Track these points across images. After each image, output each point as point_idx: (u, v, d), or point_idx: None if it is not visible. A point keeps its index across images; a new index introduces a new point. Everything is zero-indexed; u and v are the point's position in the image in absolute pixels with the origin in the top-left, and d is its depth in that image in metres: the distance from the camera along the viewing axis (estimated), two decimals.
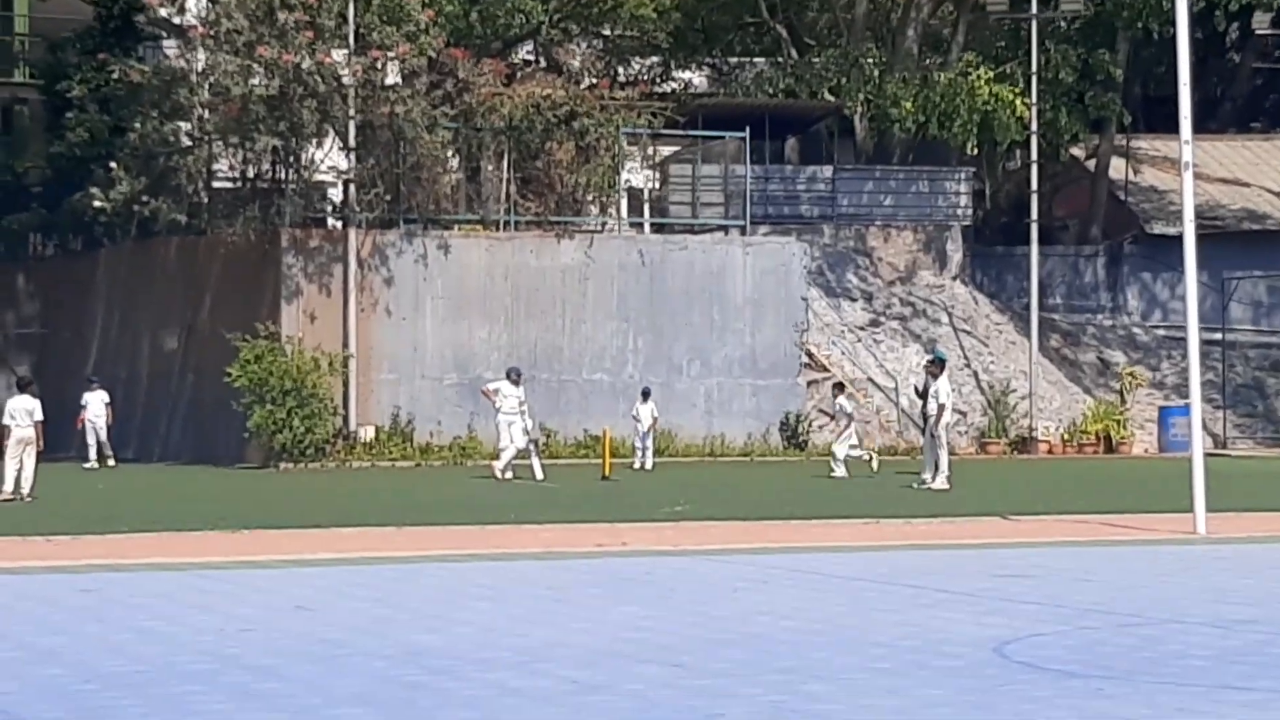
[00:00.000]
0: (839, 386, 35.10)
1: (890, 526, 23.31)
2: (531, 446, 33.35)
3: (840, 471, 33.46)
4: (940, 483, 30.00)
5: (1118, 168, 53.00)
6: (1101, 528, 22.95)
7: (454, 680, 11.42)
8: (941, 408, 30.62)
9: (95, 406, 39.69)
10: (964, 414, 45.10)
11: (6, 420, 27.97)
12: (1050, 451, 44.68)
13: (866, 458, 34.69)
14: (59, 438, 45.04)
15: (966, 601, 15.46)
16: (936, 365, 31.77)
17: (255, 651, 12.63)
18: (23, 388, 29.06)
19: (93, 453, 39.42)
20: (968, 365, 46.27)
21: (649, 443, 36.93)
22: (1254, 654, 12.46)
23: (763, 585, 16.84)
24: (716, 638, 13.26)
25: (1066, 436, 45.29)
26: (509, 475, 32.58)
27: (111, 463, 39.22)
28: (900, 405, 44.28)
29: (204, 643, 13.08)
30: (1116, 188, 52.88)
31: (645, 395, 37.27)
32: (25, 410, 27.94)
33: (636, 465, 36.28)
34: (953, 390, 42.36)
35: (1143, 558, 19.74)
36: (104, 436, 39.54)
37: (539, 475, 32.56)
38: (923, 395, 31.88)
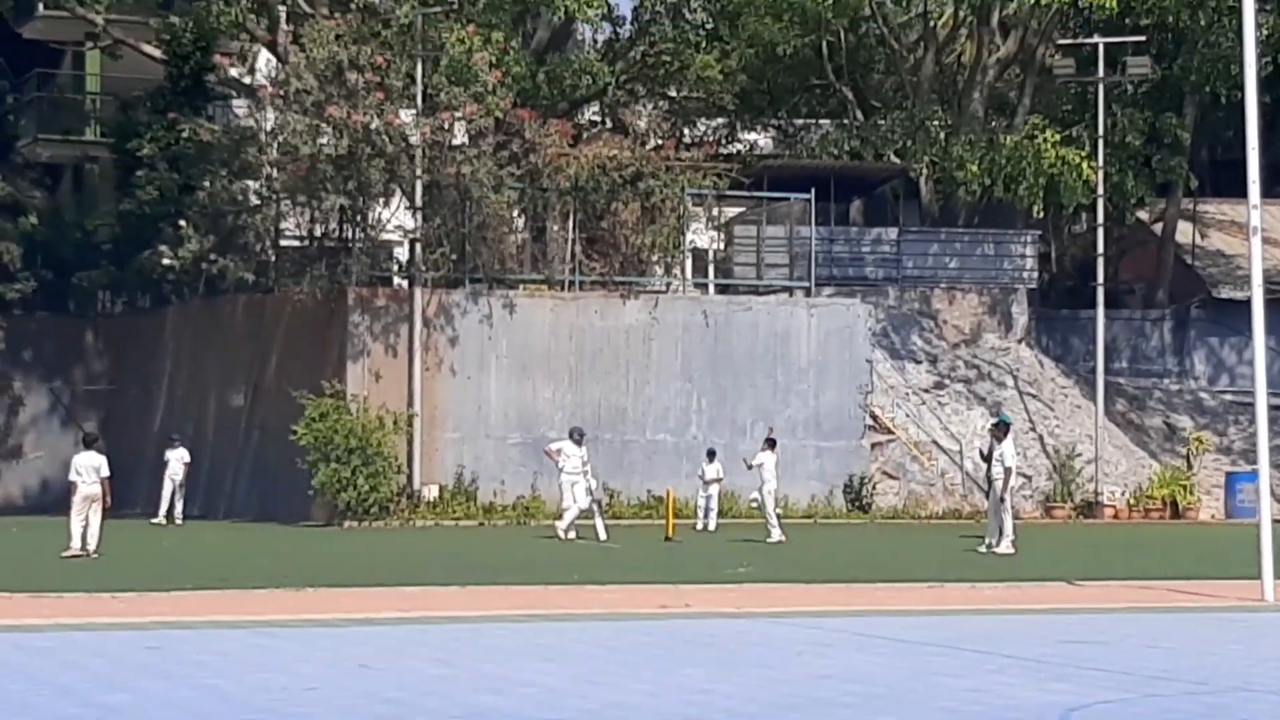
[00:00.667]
0: (770, 442, 34.33)
1: (955, 591, 23.17)
2: (595, 506, 33.34)
3: (776, 535, 32.67)
4: (1005, 547, 29.83)
5: (1184, 231, 52.79)
6: (1168, 594, 22.77)
7: None
8: (1007, 471, 30.48)
9: (175, 464, 39.99)
10: (1029, 478, 44.87)
11: (73, 477, 28.12)
12: (1116, 516, 44.39)
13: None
14: (126, 494, 45.34)
15: (1032, 667, 15.35)
16: (1001, 429, 31.63)
17: (319, 711, 12.64)
18: (89, 444, 29.20)
19: (163, 509, 39.65)
20: (1033, 429, 46.05)
21: (713, 504, 36.85)
22: None
23: (827, 649, 16.76)
24: (780, 702, 13.20)
25: (1132, 501, 44.99)
26: (572, 535, 32.57)
27: (179, 521, 39.43)
28: (965, 469, 44.09)
29: (267, 701, 13.10)
30: (1183, 251, 52.66)
31: (710, 455, 37.22)
32: (92, 467, 28.06)
33: (699, 526, 36.20)
34: (1017, 454, 42.26)
35: (1210, 624, 19.56)
36: (178, 494, 39.78)
37: (602, 535, 32.54)
38: (987, 459, 31.75)
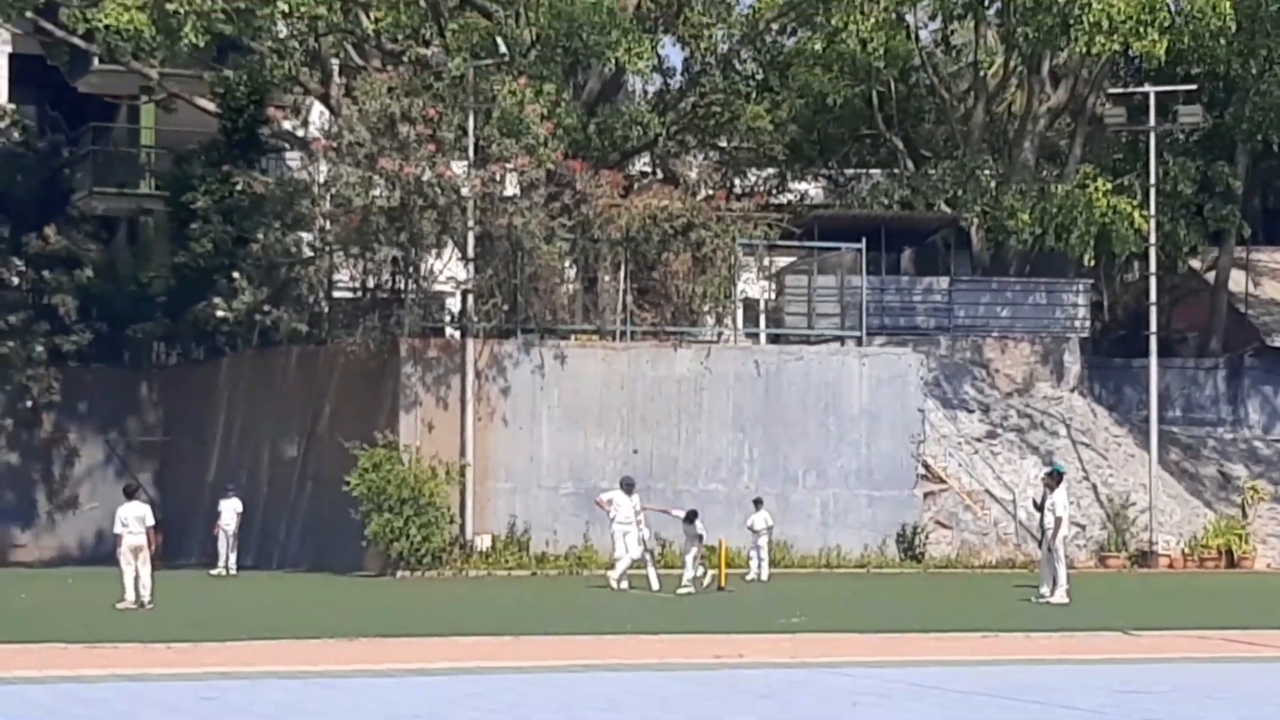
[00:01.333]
0: (692, 514, 34.21)
1: (1010, 640, 23.07)
2: (647, 556, 33.34)
3: (688, 583, 32.26)
4: (1060, 596, 29.70)
5: (1237, 280, 52.61)
6: (1224, 644, 22.62)
7: None
8: (1058, 521, 30.38)
9: (228, 515, 40.20)
10: (1083, 527, 44.67)
11: (118, 529, 28.19)
12: (1171, 565, 44.14)
13: (707, 582, 33.03)
14: (181, 544, 45.54)
15: (1089, 718, 15.27)
16: (1054, 478, 31.52)
17: None
18: (131, 494, 29.39)
19: (222, 560, 39.85)
20: (1086, 478, 45.86)
21: (765, 553, 36.81)
22: None
23: (883, 700, 16.70)
24: None
25: (1187, 550, 44.74)
26: (624, 585, 32.55)
27: (233, 570, 39.58)
28: (1018, 518, 43.92)
29: None
30: (1236, 300, 52.47)
31: (758, 504, 37.22)
32: (136, 517, 28.15)
33: (751, 576, 36.14)
34: (1071, 503, 42.08)
35: (1268, 674, 19.43)
36: (231, 545, 39.97)
37: (655, 585, 32.52)
38: (1040, 508, 31.66)
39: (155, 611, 27.18)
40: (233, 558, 39.97)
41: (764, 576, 36.23)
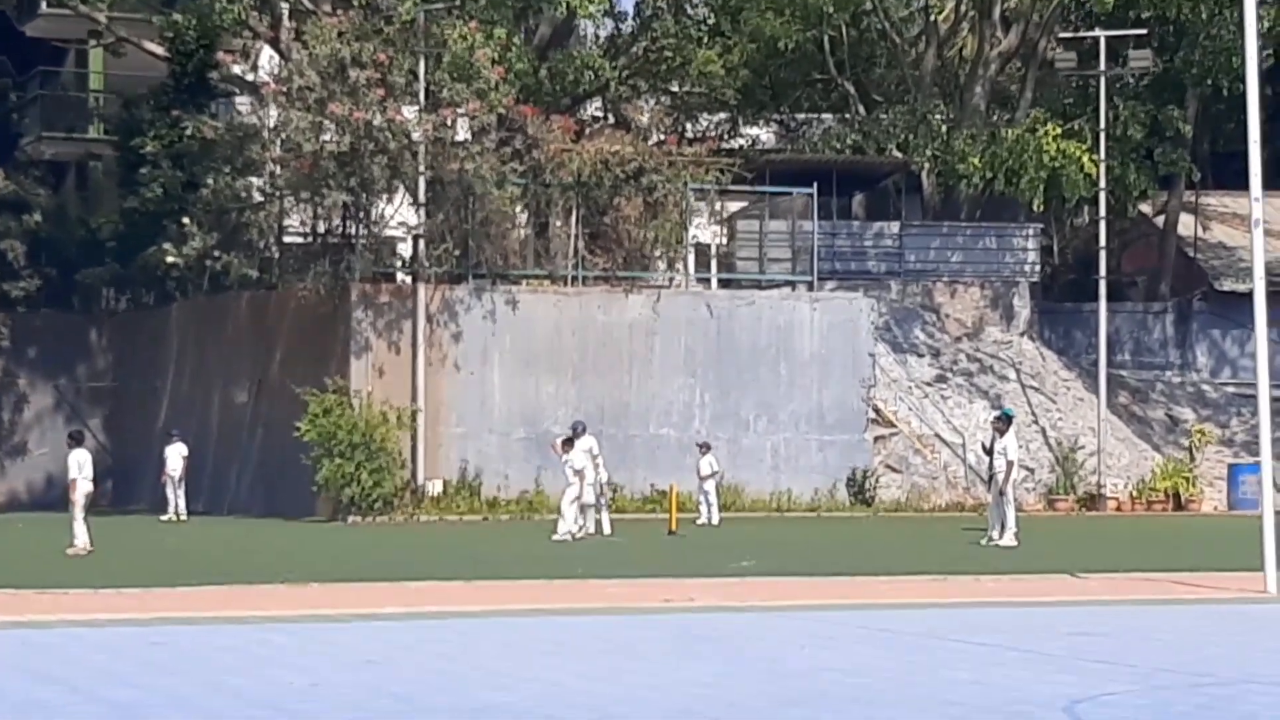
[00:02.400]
0: (568, 443, 33.29)
1: (959, 583, 23.21)
2: (600, 502, 33.39)
3: (562, 531, 31.31)
4: (1009, 540, 29.87)
5: (1186, 224, 52.82)
6: (1171, 586, 22.80)
7: None
8: (1010, 465, 30.54)
9: (173, 460, 40.11)
10: (1032, 471, 44.91)
11: (74, 474, 28.15)
12: (1119, 509, 44.42)
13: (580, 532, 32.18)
14: (132, 489, 45.46)
15: (1037, 660, 15.39)
16: (1003, 422, 31.67)
17: (324, 707, 12.69)
18: (80, 442, 29.31)
19: (171, 506, 39.79)
20: (1035, 422, 46.07)
21: (713, 498, 36.89)
22: None
23: (831, 642, 16.80)
24: (785, 696, 13.25)
25: (1135, 494, 45.01)
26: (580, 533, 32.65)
27: (183, 515, 39.53)
28: (967, 461, 44.12)
29: (273, 697, 13.14)
30: (1185, 244, 52.68)
31: (704, 449, 37.27)
32: (79, 463, 28.18)
33: (701, 521, 36.23)
34: (1020, 447, 42.25)
35: (1213, 616, 19.60)
36: (179, 490, 39.89)
37: (607, 530, 32.61)
38: (989, 452, 31.82)
39: (108, 557, 27.13)
40: (181, 503, 39.91)
41: (714, 520, 36.33)
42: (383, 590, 21.95)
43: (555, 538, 30.89)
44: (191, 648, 16.25)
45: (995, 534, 30.29)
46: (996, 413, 36.17)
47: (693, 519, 35.98)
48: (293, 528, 36.44)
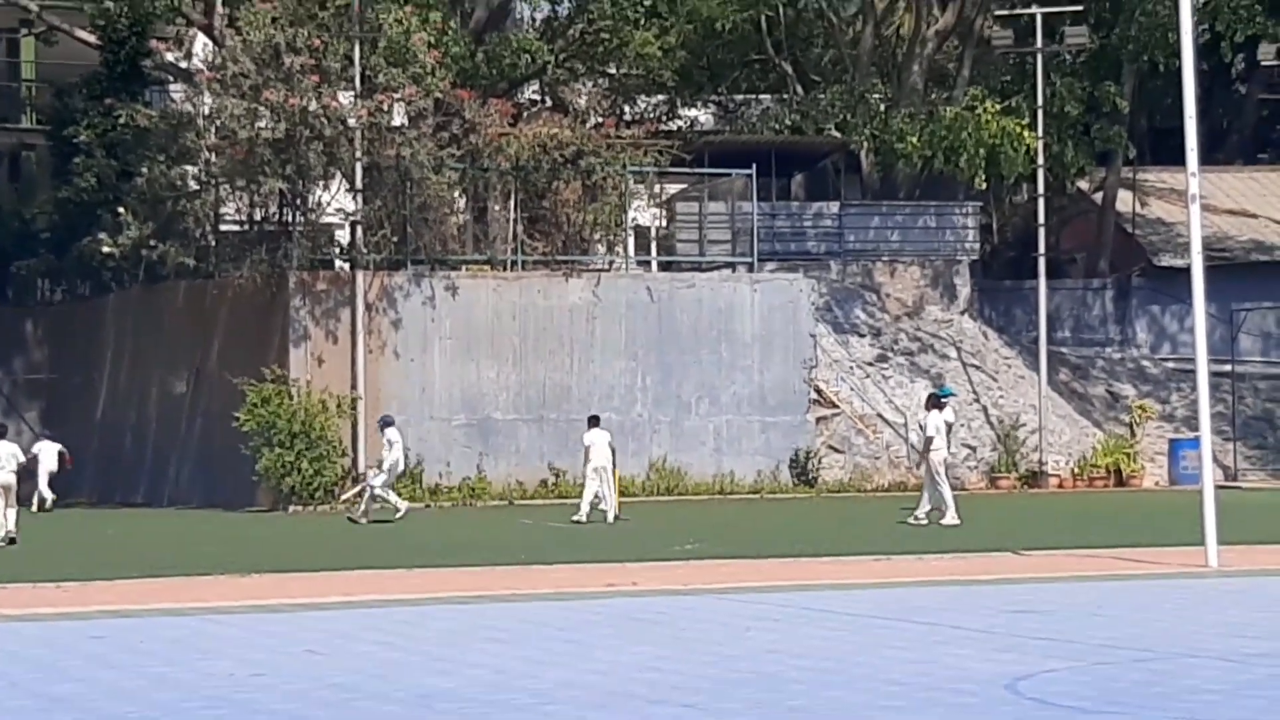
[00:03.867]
0: (385, 422, 34.28)
1: (902, 563, 23.25)
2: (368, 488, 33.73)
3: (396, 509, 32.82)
4: (950, 518, 29.93)
5: (1125, 200, 53.00)
6: (1113, 562, 22.89)
7: None
8: (928, 440, 30.55)
9: (47, 458, 40.12)
10: (974, 449, 45.04)
11: (6, 462, 28.54)
12: (1061, 485, 44.59)
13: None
14: (69, 483, 45.11)
15: (979, 638, 15.41)
16: (930, 400, 31.83)
17: (266, 697, 12.61)
18: (2, 434, 29.56)
19: (35, 496, 39.73)
20: (977, 400, 46.19)
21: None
22: (1268, 688, 12.41)
23: (775, 624, 16.80)
24: (729, 677, 13.22)
25: (1077, 470, 45.18)
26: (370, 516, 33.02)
27: (48, 506, 39.56)
28: (909, 441, 44.21)
29: (216, 688, 13.06)
30: (1124, 220, 52.87)
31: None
32: (10, 454, 28.74)
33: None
34: (960, 425, 42.35)
35: (1155, 592, 19.68)
36: (43, 483, 40.02)
37: (397, 507, 33.06)
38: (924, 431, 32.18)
39: (46, 550, 26.94)
40: (46, 493, 39.99)
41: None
42: (324, 579, 21.86)
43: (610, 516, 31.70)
44: (133, 640, 16.15)
45: (921, 513, 30.24)
46: (933, 390, 36.37)
47: (635, 503, 35.82)
48: (233, 518, 36.26)
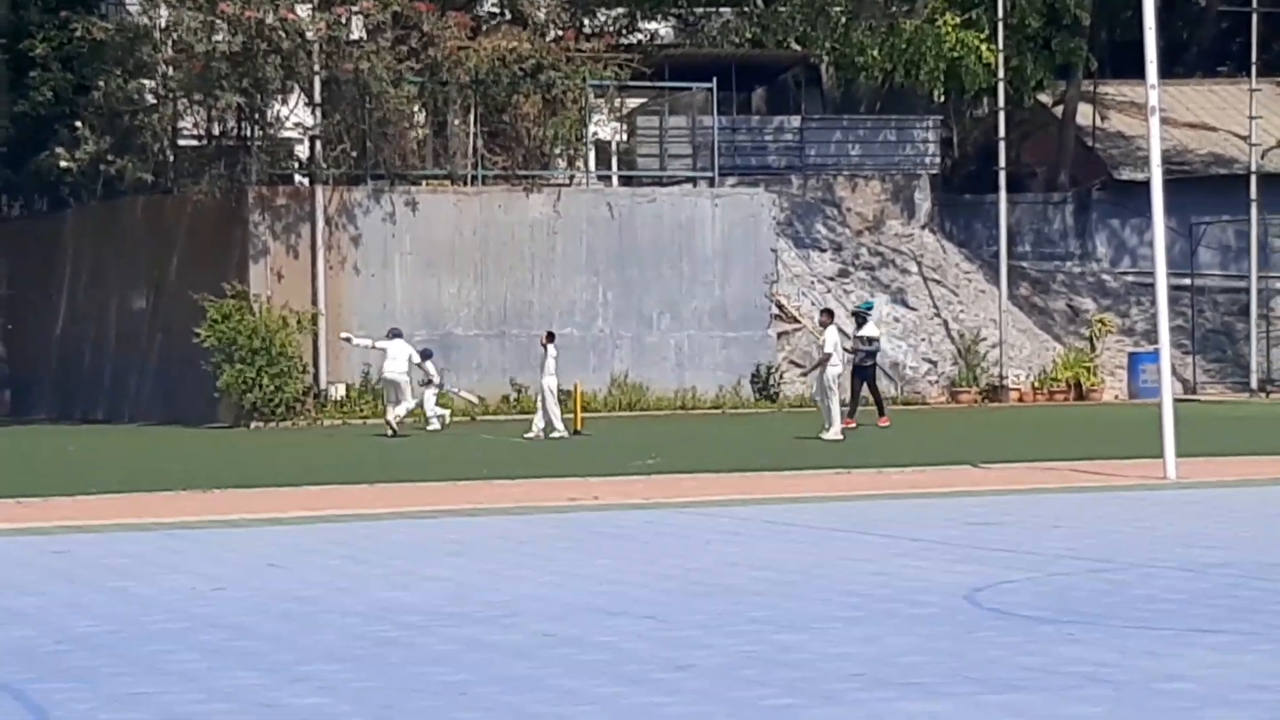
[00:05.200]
0: (345, 339, 34.83)
1: (862, 476, 23.35)
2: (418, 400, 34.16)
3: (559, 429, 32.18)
4: (833, 434, 29.79)
5: (1085, 114, 52.99)
6: (1072, 474, 23.02)
7: (425, 636, 11.42)
8: (825, 357, 30.58)
9: None
10: (934, 363, 45.17)
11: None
12: (1021, 399, 44.76)
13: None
14: (29, 401, 45.01)
15: (938, 550, 15.50)
16: (826, 315, 31.88)
17: (227, 610, 12.63)
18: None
19: None
20: (937, 314, 46.29)
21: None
22: (1224, 597, 12.51)
23: (735, 537, 16.86)
24: (689, 590, 13.28)
25: (1037, 384, 45.35)
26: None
27: None
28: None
29: (176, 602, 13.07)
30: (1084, 134, 52.88)
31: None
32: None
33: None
34: (922, 339, 42.49)
35: (1113, 503, 19.80)
36: None
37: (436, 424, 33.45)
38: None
39: (5, 467, 26.88)
40: None
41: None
42: (285, 495, 21.87)
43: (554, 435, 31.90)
44: (94, 555, 16.14)
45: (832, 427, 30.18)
46: (859, 305, 36.57)
47: (601, 419, 35.83)
48: (194, 434, 36.21)
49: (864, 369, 35.38)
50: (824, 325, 31.41)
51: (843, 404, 32.67)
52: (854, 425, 32.84)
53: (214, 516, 19.27)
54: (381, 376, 34.82)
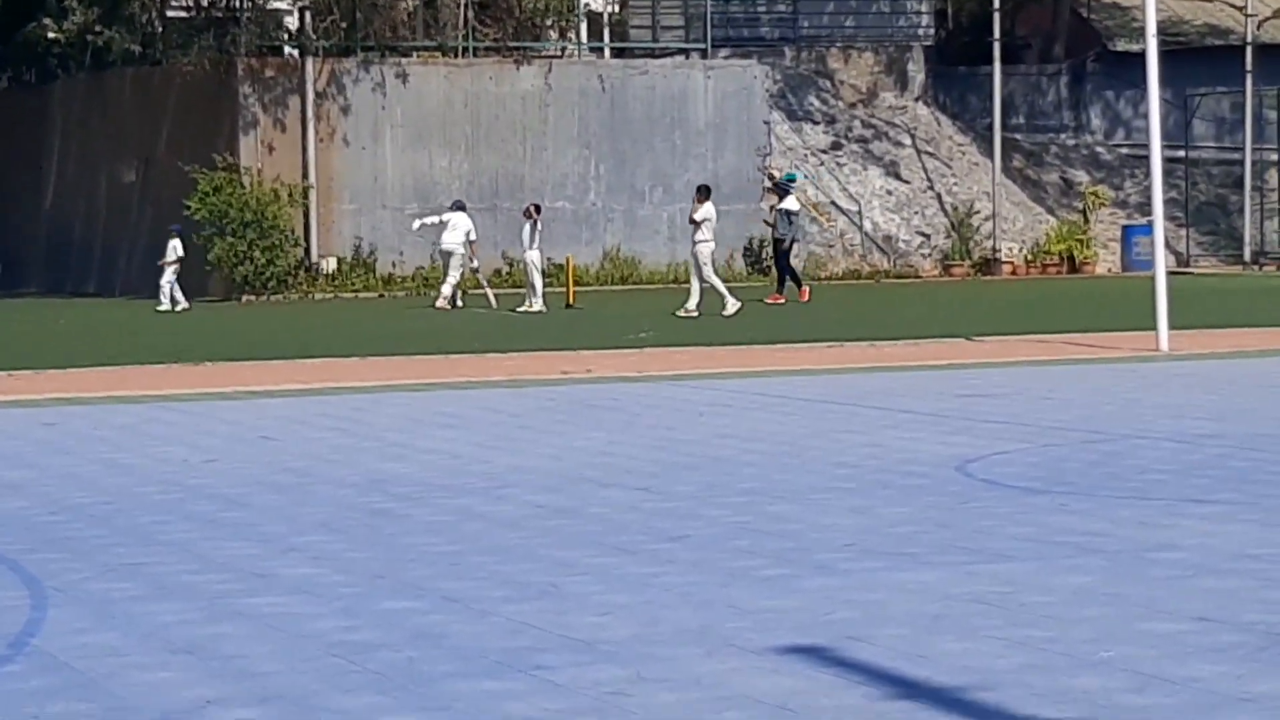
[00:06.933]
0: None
1: (855, 349, 23.35)
2: (479, 277, 33.54)
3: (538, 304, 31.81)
4: (688, 308, 29.13)
5: None
6: (1065, 347, 23.03)
7: (419, 507, 11.44)
8: (695, 227, 30.08)
9: None
10: (928, 236, 45.07)
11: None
12: (1014, 272, 44.71)
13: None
14: (19, 274, 44.91)
15: (930, 422, 15.51)
16: (701, 193, 30.84)
17: (220, 481, 12.64)
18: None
19: None
20: (931, 187, 46.13)
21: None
22: (1215, 468, 12.54)
23: (728, 409, 16.88)
24: (682, 461, 13.30)
25: (1030, 257, 45.30)
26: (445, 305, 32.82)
27: None
28: (864, 229, 44.23)
29: (168, 474, 13.09)
30: (1079, 4, 52.49)
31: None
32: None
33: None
34: (916, 213, 42.34)
35: (1106, 375, 19.82)
36: None
37: (494, 303, 32.60)
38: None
39: None
40: None
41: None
42: (277, 368, 21.86)
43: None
44: (85, 427, 16.15)
45: (690, 304, 29.38)
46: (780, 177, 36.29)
47: (592, 291, 35.75)
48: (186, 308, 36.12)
49: (780, 242, 34.67)
50: (699, 202, 30.59)
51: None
52: (807, 297, 32.87)
53: (206, 389, 19.27)
54: (438, 247, 34.33)
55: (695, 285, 29.85)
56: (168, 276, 35.02)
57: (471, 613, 8.40)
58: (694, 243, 30.24)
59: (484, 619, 8.27)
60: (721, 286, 29.96)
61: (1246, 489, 11.58)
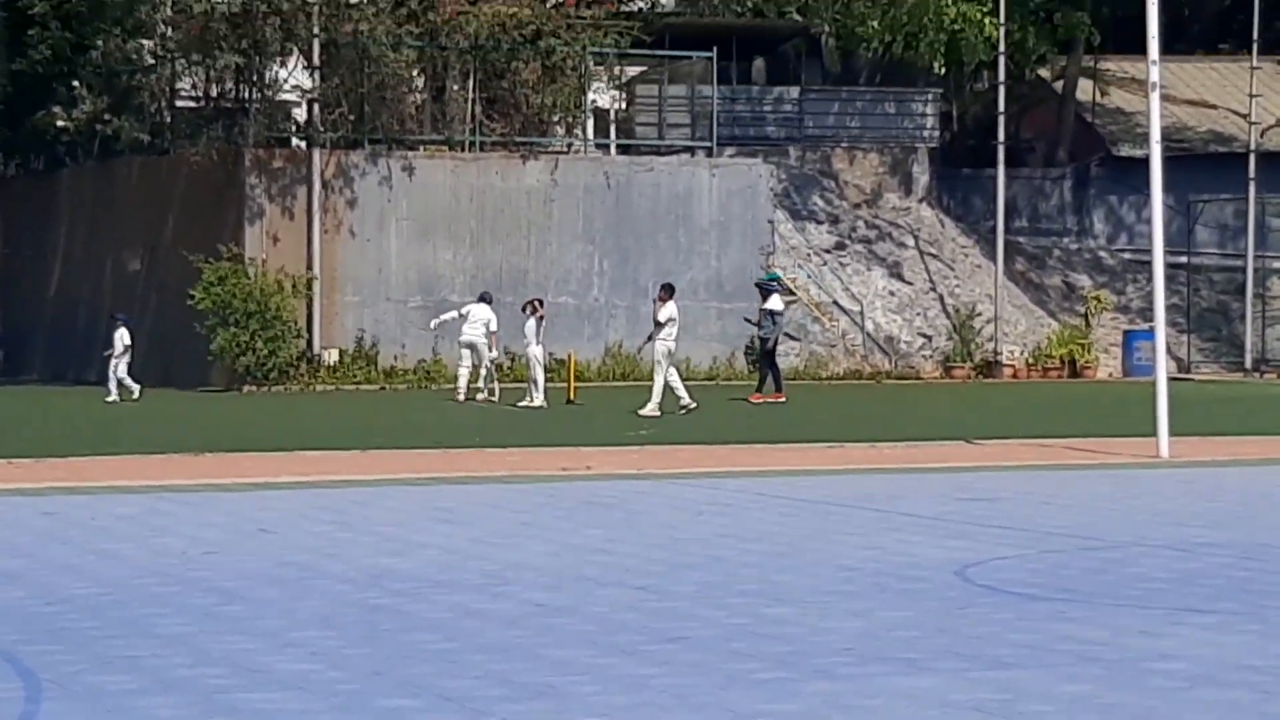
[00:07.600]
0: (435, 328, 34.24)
1: (856, 450, 23.33)
2: (491, 370, 33.46)
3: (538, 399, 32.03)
4: (652, 409, 28.94)
5: (1085, 89, 52.89)
6: (1065, 451, 23.01)
7: (417, 603, 11.40)
8: (656, 328, 30.14)
9: None
10: (929, 338, 45.12)
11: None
12: (1015, 375, 44.73)
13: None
14: (22, 360, 44.96)
15: (930, 525, 15.48)
16: (665, 291, 30.80)
17: (218, 574, 12.60)
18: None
19: None
20: (933, 289, 46.23)
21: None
22: (1215, 576, 12.51)
23: (727, 509, 16.85)
24: (681, 561, 13.26)
25: (1031, 360, 45.33)
26: (480, 397, 32.80)
27: None
28: (865, 329, 44.28)
29: (167, 566, 13.05)
30: (1084, 109, 52.80)
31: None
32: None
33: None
34: (917, 314, 42.26)
35: (1106, 481, 19.79)
36: None
37: (494, 397, 32.64)
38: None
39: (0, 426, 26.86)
40: None
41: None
42: (278, 459, 21.83)
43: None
44: (84, 517, 16.10)
45: (684, 401, 29.51)
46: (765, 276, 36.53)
47: (594, 388, 35.76)
48: (187, 397, 36.16)
49: (765, 341, 34.67)
50: (662, 300, 30.65)
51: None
52: (783, 399, 32.82)
53: (206, 480, 19.25)
54: (459, 340, 34.14)
55: (658, 383, 29.82)
56: (119, 368, 34.69)
57: (467, 712, 8.37)
58: (655, 341, 30.15)
59: (480, 719, 8.23)
60: (676, 386, 29.72)
61: (1246, 599, 11.54)
